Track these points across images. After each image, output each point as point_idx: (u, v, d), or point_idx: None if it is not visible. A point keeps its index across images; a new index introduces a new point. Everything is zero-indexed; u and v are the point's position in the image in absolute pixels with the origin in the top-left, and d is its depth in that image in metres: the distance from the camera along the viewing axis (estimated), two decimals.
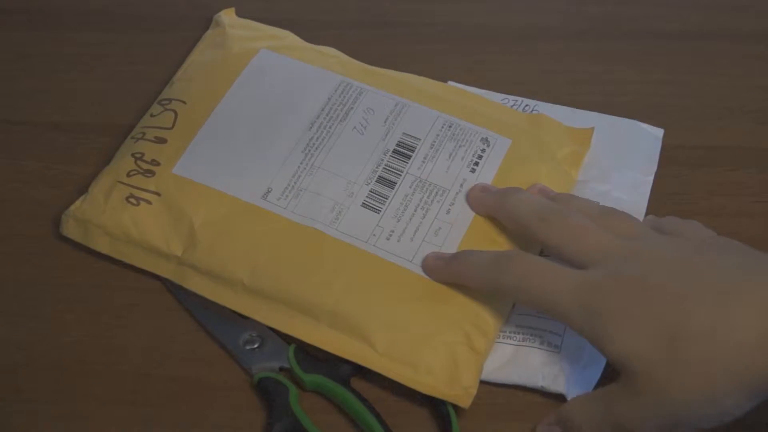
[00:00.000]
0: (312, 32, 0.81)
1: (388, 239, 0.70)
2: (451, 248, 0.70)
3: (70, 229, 0.72)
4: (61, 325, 0.70)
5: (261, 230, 0.70)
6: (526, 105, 0.78)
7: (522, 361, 0.68)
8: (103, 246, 0.72)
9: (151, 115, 0.76)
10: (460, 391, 0.66)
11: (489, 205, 0.71)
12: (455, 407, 0.66)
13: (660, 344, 0.59)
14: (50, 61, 0.81)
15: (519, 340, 0.69)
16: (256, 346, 0.68)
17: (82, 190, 0.75)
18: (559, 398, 0.67)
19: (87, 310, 0.71)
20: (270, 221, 0.70)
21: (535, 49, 0.83)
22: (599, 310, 0.62)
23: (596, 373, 0.67)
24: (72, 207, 0.73)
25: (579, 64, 0.81)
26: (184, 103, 0.75)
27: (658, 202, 0.75)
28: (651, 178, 0.75)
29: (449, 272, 0.68)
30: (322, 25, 0.83)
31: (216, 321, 0.69)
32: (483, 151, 0.74)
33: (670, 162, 0.77)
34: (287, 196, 0.71)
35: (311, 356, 0.68)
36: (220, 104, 0.75)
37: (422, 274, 0.69)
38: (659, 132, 0.78)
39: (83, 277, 0.72)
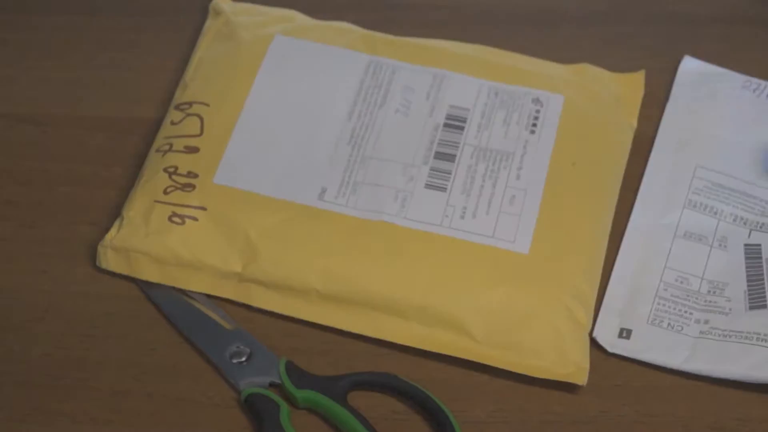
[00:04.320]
0: (311, 15, 0.80)
1: (462, 218, 0.69)
2: (531, 215, 0.69)
3: (110, 260, 0.70)
4: (30, 337, 0.69)
5: (325, 232, 0.69)
6: None
7: None
8: (151, 274, 0.69)
9: (172, 123, 0.73)
10: (572, 369, 0.66)
11: None
12: (458, 423, 0.65)
13: None
14: (20, 47, 0.80)
15: None
16: (243, 359, 0.67)
17: (55, 187, 0.74)
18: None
19: (59, 320, 0.69)
20: (333, 221, 0.69)
21: (548, 34, 0.81)
22: None
23: None
24: (107, 236, 0.70)
25: (597, 50, 0.80)
26: (207, 105, 0.73)
27: None
28: None
29: None
30: (320, 6, 0.81)
31: (200, 332, 0.68)
32: (537, 112, 0.73)
33: None
34: (344, 192, 0.70)
35: (304, 370, 0.66)
36: (247, 101, 0.73)
37: (507, 248, 0.68)
38: None
39: (54, 284, 0.70)
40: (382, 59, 0.75)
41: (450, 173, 0.70)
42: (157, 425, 0.65)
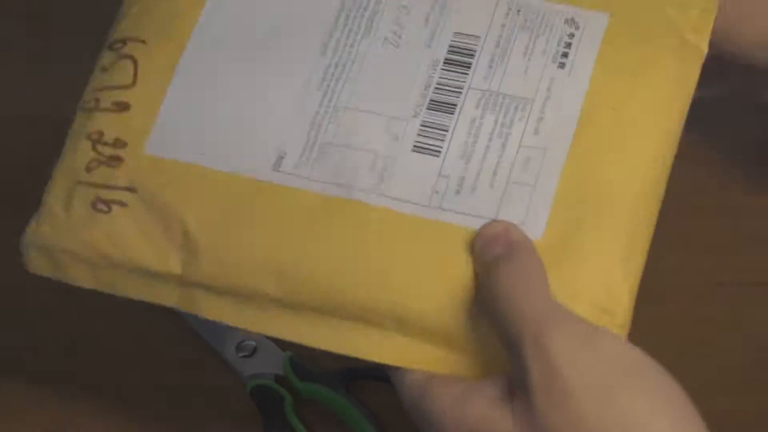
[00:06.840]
0: None
1: (458, 193, 0.53)
2: (549, 185, 0.53)
3: (34, 262, 0.56)
4: (38, 330, 0.68)
5: (279, 217, 0.54)
6: None
7: None
8: (83, 278, 0.56)
9: (103, 69, 0.58)
10: None
11: None
12: None
13: None
14: (33, 50, 0.79)
15: None
16: (249, 352, 0.67)
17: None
18: None
19: (66, 312, 0.69)
20: (289, 201, 0.54)
21: None
22: None
23: None
24: (28, 231, 0.56)
25: None
26: (144, 42, 0.57)
27: None
28: None
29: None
30: None
31: (207, 325, 0.67)
32: (571, 37, 0.56)
33: None
34: (308, 158, 0.54)
35: (307, 364, 0.67)
36: (191, 39, 0.57)
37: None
38: None
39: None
40: None
41: (447, 130, 0.55)
42: (165, 416, 0.65)
